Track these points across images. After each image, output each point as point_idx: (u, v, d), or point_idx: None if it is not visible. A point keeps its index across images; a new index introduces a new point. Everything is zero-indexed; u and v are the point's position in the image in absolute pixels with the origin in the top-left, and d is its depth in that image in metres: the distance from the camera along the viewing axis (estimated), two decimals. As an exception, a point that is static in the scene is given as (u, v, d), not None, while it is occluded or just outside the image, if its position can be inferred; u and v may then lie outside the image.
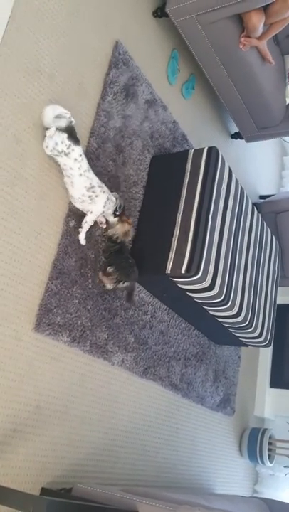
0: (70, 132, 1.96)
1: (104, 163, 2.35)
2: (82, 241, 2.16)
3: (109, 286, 2.26)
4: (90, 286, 2.22)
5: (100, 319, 2.28)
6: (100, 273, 2.25)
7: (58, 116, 1.96)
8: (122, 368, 2.46)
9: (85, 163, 2.03)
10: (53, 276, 2.03)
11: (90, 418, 2.24)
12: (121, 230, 2.28)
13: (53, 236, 2.06)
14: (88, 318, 2.20)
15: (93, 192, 2.08)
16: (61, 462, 2.07)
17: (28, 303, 1.94)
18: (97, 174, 2.27)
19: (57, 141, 1.94)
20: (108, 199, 2.15)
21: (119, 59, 2.47)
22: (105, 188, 2.16)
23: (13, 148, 1.89)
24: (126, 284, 2.32)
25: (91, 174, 2.08)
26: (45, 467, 1.98)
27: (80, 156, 2.00)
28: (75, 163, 1.99)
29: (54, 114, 1.95)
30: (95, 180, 2.10)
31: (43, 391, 1.99)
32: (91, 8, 2.32)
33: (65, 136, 1.94)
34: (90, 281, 2.21)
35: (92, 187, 2.08)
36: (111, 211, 2.20)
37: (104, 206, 2.14)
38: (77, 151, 1.98)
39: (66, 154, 1.96)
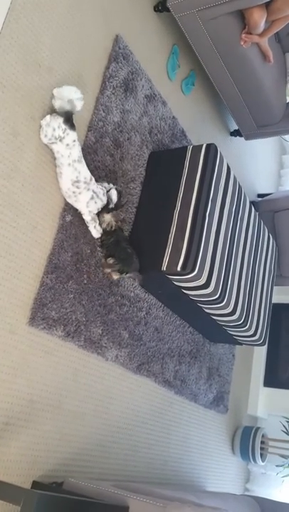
0: (67, 117, 1.96)
1: (101, 158, 2.34)
2: (95, 234, 2.21)
3: (115, 276, 2.25)
4: (86, 281, 2.21)
5: (95, 315, 2.28)
6: (104, 263, 2.25)
7: (70, 101, 1.98)
8: (116, 364, 2.45)
9: (75, 152, 1.99)
10: (48, 270, 2.03)
11: (83, 413, 2.24)
12: (111, 218, 2.24)
13: (48, 230, 2.05)
14: (83, 314, 2.20)
15: (77, 187, 2.04)
16: (53, 456, 2.07)
17: (23, 297, 1.93)
18: (95, 169, 2.27)
19: (54, 127, 1.94)
20: (92, 198, 2.09)
21: (119, 53, 2.46)
22: (93, 186, 2.08)
23: (11, 141, 1.88)
24: (128, 274, 2.32)
25: (80, 166, 2.03)
26: (36, 461, 1.98)
27: (74, 141, 1.98)
28: (66, 149, 1.97)
29: (74, 95, 1.98)
30: (83, 175, 2.04)
31: (36, 385, 1.98)
32: (92, 1, 2.31)
33: (61, 120, 1.94)
34: (85, 276, 2.21)
35: (78, 181, 2.03)
36: (95, 210, 2.14)
37: (87, 205, 2.10)
38: (72, 136, 1.97)
39: (61, 140, 1.95)
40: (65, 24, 2.15)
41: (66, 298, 2.10)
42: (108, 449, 2.41)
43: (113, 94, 2.42)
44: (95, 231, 2.19)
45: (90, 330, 2.24)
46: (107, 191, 2.18)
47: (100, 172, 2.32)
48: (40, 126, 1.97)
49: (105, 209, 2.17)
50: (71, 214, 2.13)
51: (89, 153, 2.25)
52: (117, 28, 2.48)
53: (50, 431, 2.05)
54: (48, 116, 1.96)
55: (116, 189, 2.21)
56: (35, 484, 1.93)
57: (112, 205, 2.19)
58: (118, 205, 2.23)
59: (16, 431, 1.88)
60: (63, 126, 1.94)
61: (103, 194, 2.15)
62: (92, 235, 2.22)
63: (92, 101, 2.31)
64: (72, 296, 2.13)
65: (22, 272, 1.92)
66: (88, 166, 2.10)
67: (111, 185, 2.23)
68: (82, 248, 2.20)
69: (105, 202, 2.15)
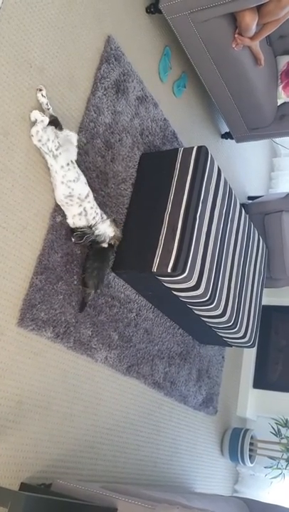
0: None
1: (93, 159, 2.33)
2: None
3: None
4: (76, 282, 2.20)
5: (85, 316, 2.27)
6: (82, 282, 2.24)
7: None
8: (106, 365, 2.45)
9: (71, 174, 2.00)
10: (38, 271, 2.02)
11: (72, 414, 2.23)
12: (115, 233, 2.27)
13: (39, 231, 2.04)
14: (72, 315, 2.19)
15: (71, 200, 2.04)
16: (42, 458, 2.06)
17: (12, 297, 1.92)
18: (86, 170, 2.26)
19: (50, 137, 1.93)
20: (80, 214, 2.08)
21: (110, 54, 2.46)
22: (86, 204, 2.08)
23: (1, 141, 1.87)
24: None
25: (77, 185, 2.03)
26: (25, 462, 1.97)
27: (68, 165, 1.99)
28: (60, 170, 1.98)
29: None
30: (78, 192, 2.04)
31: (25, 386, 1.97)
32: (84, 2, 2.30)
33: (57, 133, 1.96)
34: (75, 277, 2.20)
35: (71, 196, 2.04)
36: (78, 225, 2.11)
37: (72, 217, 2.09)
38: (65, 157, 1.98)
39: (54, 157, 1.95)
40: (57, 24, 2.14)
41: (56, 299, 2.10)
42: (97, 451, 2.41)
43: (104, 95, 2.42)
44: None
45: (79, 331, 2.23)
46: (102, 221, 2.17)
47: (91, 173, 2.31)
48: (34, 123, 1.95)
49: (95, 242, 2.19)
50: (61, 215, 2.13)
51: (80, 154, 2.24)
52: (109, 29, 2.48)
53: (39, 432, 2.04)
54: (37, 114, 1.94)
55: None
56: (24, 486, 1.92)
57: (102, 241, 2.20)
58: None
59: (4, 432, 1.87)
60: (57, 142, 1.95)
61: (93, 218, 2.12)
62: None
63: (83, 102, 2.30)
64: (61, 297, 2.13)
65: (11, 272, 1.91)
66: (79, 167, 2.10)
67: (105, 217, 2.21)
68: (73, 249, 2.19)
69: (90, 224, 2.12)
